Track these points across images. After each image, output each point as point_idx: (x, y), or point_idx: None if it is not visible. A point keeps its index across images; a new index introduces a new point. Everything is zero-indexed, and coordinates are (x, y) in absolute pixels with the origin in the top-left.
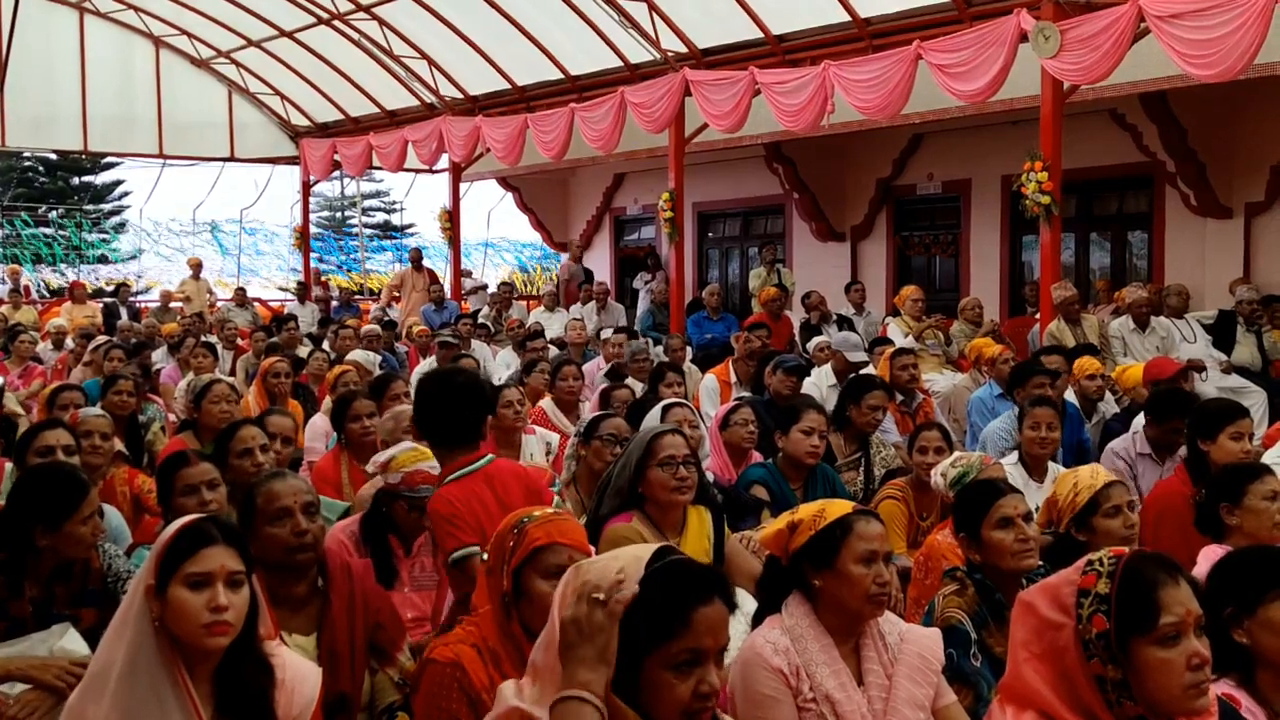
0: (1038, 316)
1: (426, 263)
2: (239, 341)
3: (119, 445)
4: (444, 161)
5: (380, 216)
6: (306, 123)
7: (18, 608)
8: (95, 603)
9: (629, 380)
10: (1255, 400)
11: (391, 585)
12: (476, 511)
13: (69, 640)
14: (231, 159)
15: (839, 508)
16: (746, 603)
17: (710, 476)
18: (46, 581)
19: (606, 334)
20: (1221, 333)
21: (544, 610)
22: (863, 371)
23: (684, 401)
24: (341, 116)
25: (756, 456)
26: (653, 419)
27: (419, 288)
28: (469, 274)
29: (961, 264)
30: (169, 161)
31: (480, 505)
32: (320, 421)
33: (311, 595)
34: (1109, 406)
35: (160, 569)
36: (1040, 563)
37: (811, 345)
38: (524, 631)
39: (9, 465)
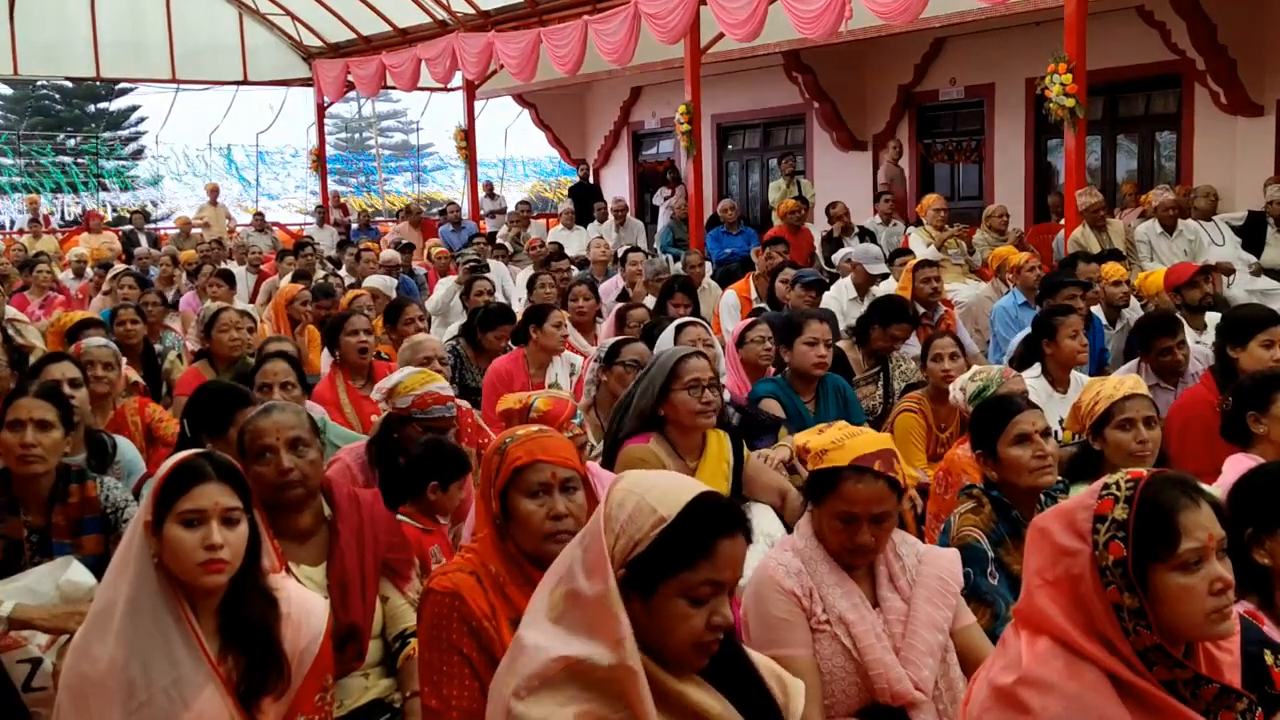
0: (1063, 223)
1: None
2: (262, 266)
3: (135, 375)
4: (458, 79)
5: (398, 137)
6: (319, 43)
7: (12, 527)
8: (96, 531)
9: (646, 299)
10: None
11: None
12: None
13: (74, 572)
14: (245, 82)
15: (843, 455)
16: (768, 525)
17: (726, 395)
18: (45, 507)
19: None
20: (1251, 234)
21: (530, 531)
22: (892, 293)
23: (698, 320)
24: (353, 36)
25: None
26: (666, 339)
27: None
28: (490, 189)
29: (985, 170)
30: (182, 86)
31: None
32: None
33: (318, 526)
34: (1134, 313)
35: (156, 505)
36: (1060, 478)
37: (836, 258)
38: (519, 553)
39: None
